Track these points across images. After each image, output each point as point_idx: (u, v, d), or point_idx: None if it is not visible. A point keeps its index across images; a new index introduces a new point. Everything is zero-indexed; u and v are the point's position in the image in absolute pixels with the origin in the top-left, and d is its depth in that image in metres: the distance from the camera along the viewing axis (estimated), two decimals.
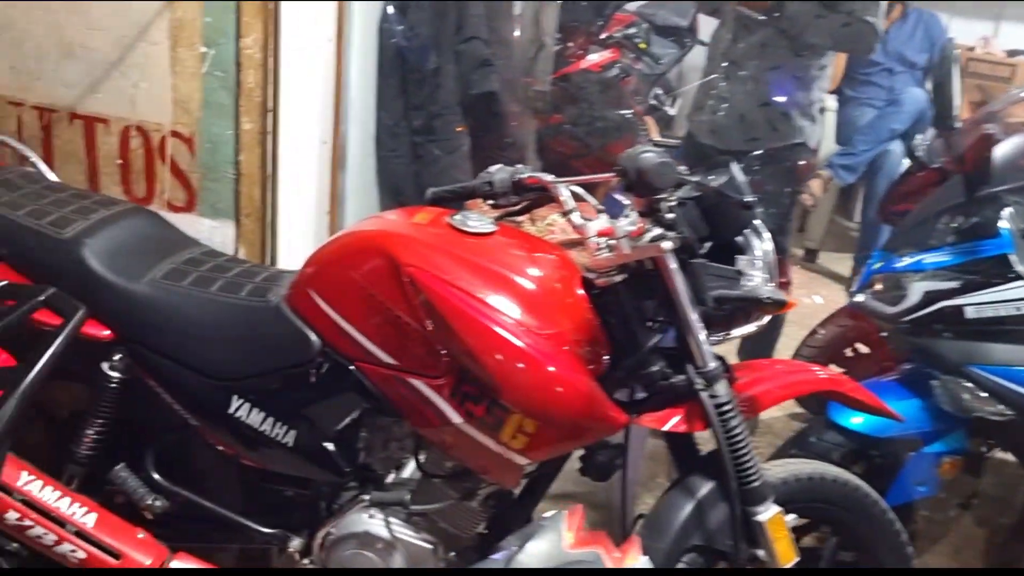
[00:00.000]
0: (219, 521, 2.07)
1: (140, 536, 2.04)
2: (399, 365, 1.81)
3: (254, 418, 1.92)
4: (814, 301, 4.70)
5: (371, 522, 1.96)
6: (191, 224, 2.42)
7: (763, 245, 1.85)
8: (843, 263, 5.53)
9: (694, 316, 1.77)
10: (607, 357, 1.83)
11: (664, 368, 1.83)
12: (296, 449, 1.92)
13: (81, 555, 1.99)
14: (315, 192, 2.38)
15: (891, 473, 2.47)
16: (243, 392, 1.92)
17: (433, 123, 3.07)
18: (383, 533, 1.96)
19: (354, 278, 1.83)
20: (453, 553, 2.00)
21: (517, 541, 1.56)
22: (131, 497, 2.03)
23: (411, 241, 1.83)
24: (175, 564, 2.04)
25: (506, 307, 1.74)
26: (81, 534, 2.00)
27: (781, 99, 3.17)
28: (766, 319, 1.90)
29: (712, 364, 1.79)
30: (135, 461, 2.06)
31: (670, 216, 1.74)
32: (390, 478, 2.03)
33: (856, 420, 2.44)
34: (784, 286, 3.60)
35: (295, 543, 2.03)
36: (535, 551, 1.55)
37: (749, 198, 1.74)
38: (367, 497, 1.91)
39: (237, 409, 1.92)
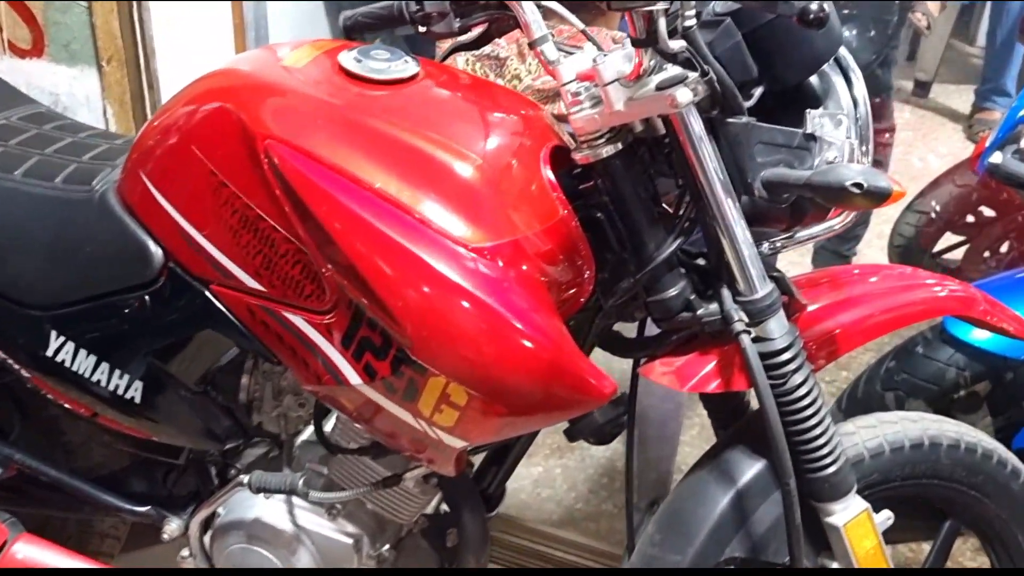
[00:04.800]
0: (72, 495, 1.50)
1: None
2: (268, 292, 1.17)
3: (83, 363, 1.31)
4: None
5: (264, 506, 1.36)
6: (46, 74, 1.76)
7: (851, 92, 1.13)
8: (962, 97, 4.61)
9: (733, 212, 1.08)
10: (590, 278, 1.15)
11: (686, 292, 1.15)
12: (146, 406, 1.31)
13: None
14: (209, 18, 1.68)
15: None
16: (62, 326, 1.30)
17: None
18: (281, 522, 1.36)
19: (197, 158, 1.17)
20: (387, 547, 1.40)
21: None
22: None
23: (275, 97, 1.15)
24: (18, 550, 1.49)
25: (421, 203, 1.07)
26: None
27: None
28: (851, 217, 1.19)
29: (761, 290, 1.10)
30: None
31: (675, 46, 1.02)
32: (297, 442, 1.42)
33: (980, 335, 1.73)
34: (882, 137, 2.81)
35: (172, 526, 1.45)
36: None
37: (828, 10, 1.00)
38: (246, 478, 1.30)
39: (59, 350, 1.31)
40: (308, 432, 1.45)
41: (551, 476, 2.29)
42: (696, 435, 2.39)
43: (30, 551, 1.49)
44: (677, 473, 2.26)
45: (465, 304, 1.04)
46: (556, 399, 1.07)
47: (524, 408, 1.07)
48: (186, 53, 1.73)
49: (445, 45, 1.40)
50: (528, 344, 1.04)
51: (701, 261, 1.20)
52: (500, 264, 1.06)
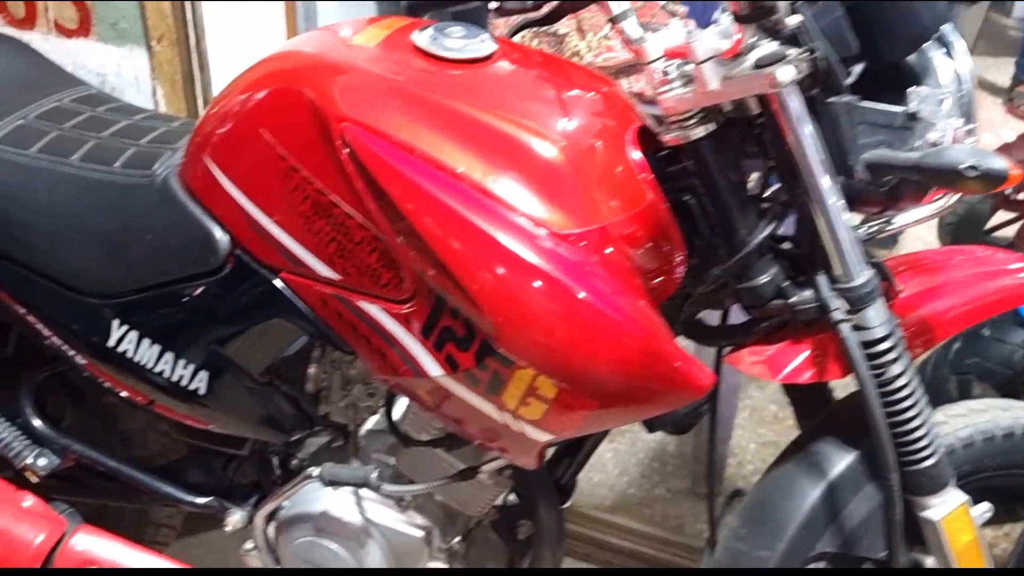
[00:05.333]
0: (131, 485, 1.46)
1: (26, 504, 1.45)
2: (342, 280, 1.12)
3: (145, 353, 1.27)
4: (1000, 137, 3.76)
5: (331, 498, 1.33)
6: (93, 55, 1.71)
7: (957, 67, 1.07)
8: (1000, 70, 4.51)
9: (832, 196, 1.03)
10: (680, 265, 1.10)
11: (778, 279, 1.10)
12: (210, 397, 1.27)
13: None
14: None
15: None
16: (125, 315, 1.27)
17: None
18: (350, 515, 1.32)
19: (265, 142, 1.12)
20: (457, 540, 1.36)
21: None
22: (5, 455, 1.43)
23: (348, 77, 1.10)
24: (77, 542, 1.46)
25: (504, 187, 1.02)
26: None
27: None
28: (953, 200, 1.13)
29: (861, 276, 1.05)
30: (7, 405, 1.46)
31: (791, 20, 0.97)
32: (362, 432, 1.38)
33: None
34: None
35: (234, 517, 1.42)
36: None
37: None
38: (316, 471, 1.26)
39: (120, 340, 1.27)
40: (373, 421, 1.41)
41: (602, 460, 2.25)
42: (747, 417, 2.35)
43: (90, 542, 1.46)
44: (731, 457, 2.23)
45: (553, 293, 0.99)
46: (651, 392, 1.02)
47: (617, 401, 1.03)
48: (236, 33, 1.68)
49: (500, 23, 1.35)
50: (623, 335, 0.99)
51: (787, 245, 1.15)
52: (589, 252, 1.02)
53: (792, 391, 1.30)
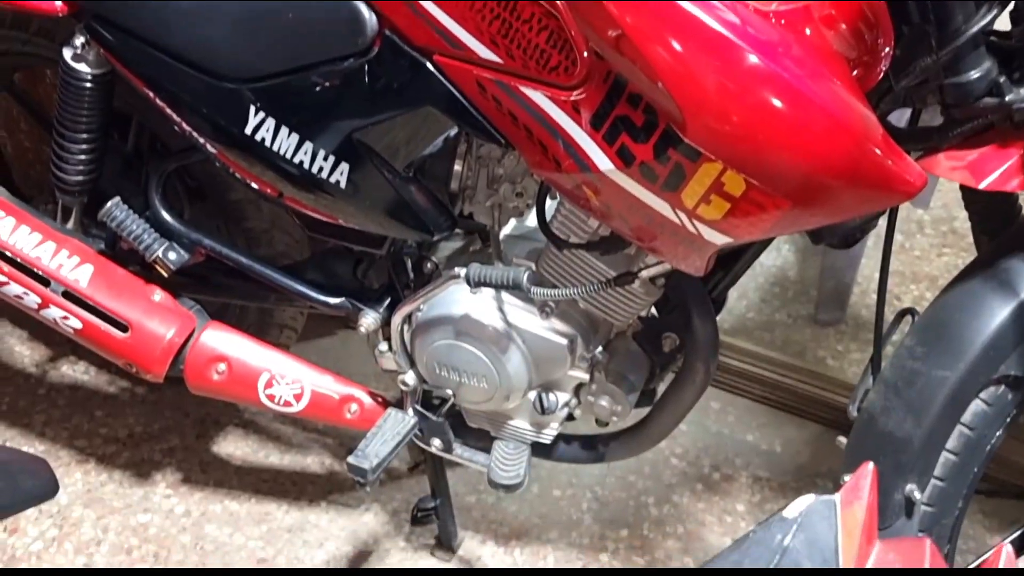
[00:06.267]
0: (262, 283, 1.43)
1: (156, 298, 1.44)
2: (504, 64, 1.03)
3: (284, 143, 1.20)
4: None
5: (472, 302, 1.28)
6: None
7: None
8: None
9: None
10: (887, 55, 0.98)
11: (992, 73, 0.98)
12: (352, 192, 1.21)
13: (75, 324, 1.41)
14: None
15: None
16: (263, 101, 1.19)
17: None
18: (492, 319, 1.27)
19: None
20: (599, 350, 1.31)
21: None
22: (135, 247, 1.40)
23: None
24: (207, 337, 1.44)
25: None
26: (71, 295, 1.40)
27: None
28: None
29: None
30: (134, 200, 1.41)
31: None
32: (501, 236, 1.31)
33: None
34: None
35: (368, 319, 1.37)
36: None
37: None
38: (462, 272, 1.20)
39: (257, 128, 1.20)
40: (512, 225, 1.35)
41: None
42: (871, 246, 2.24)
43: (220, 338, 1.45)
44: (855, 285, 2.14)
45: (754, 75, 0.89)
46: (854, 191, 0.92)
47: (813, 202, 0.93)
48: None
49: None
50: (833, 126, 0.89)
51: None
52: (793, 31, 0.91)
53: (975, 204, 1.20)
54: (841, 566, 0.57)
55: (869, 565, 0.60)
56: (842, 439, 1.21)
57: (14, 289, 1.40)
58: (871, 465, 0.67)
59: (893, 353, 1.15)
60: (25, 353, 1.91)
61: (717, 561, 0.63)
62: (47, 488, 1.04)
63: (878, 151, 0.90)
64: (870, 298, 2.17)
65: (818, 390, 1.89)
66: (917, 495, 1.12)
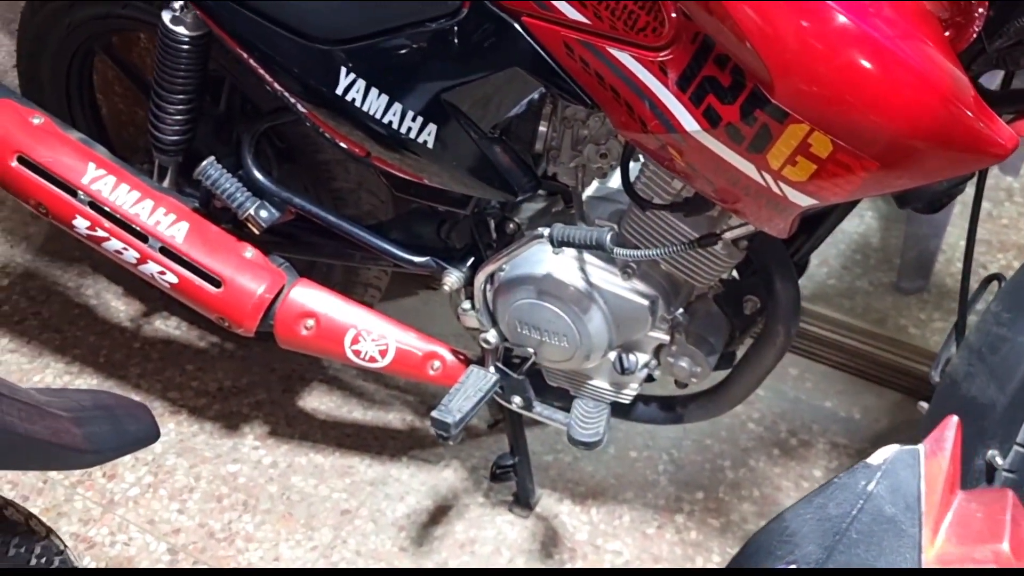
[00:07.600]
0: (349, 241, 1.47)
1: (248, 255, 1.49)
2: (592, 25, 1.04)
3: (373, 104, 1.23)
4: None
5: (554, 261, 1.30)
6: None
7: None
8: None
9: None
10: (980, 16, 0.97)
11: None
12: (439, 152, 1.24)
13: (171, 279, 1.47)
14: None
15: None
16: (354, 62, 1.22)
17: None
18: (574, 279, 1.29)
19: None
20: (680, 311, 1.32)
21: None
22: (228, 204, 1.44)
23: None
24: (296, 293, 1.49)
25: None
26: (168, 251, 1.46)
27: None
28: None
29: None
30: (226, 159, 1.46)
31: None
32: (584, 197, 1.33)
33: None
34: None
35: (452, 278, 1.41)
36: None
37: None
38: (545, 231, 1.22)
39: (348, 89, 1.23)
40: (595, 186, 1.36)
41: None
42: (957, 214, 2.20)
43: (308, 295, 1.49)
44: (940, 254, 2.11)
45: (844, 35, 0.89)
46: (942, 153, 0.92)
47: (901, 163, 0.93)
48: None
49: None
50: (924, 85, 0.89)
51: None
52: None
53: None
54: (924, 513, 0.59)
55: (951, 514, 0.62)
56: (923, 404, 1.20)
57: (115, 245, 1.46)
58: (955, 418, 0.68)
59: (978, 318, 1.15)
60: (121, 309, 1.98)
61: (801, 504, 0.64)
62: (149, 433, 1.09)
63: (968, 112, 0.89)
64: (955, 267, 2.14)
65: (898, 358, 1.88)
66: (999, 461, 1.11)
